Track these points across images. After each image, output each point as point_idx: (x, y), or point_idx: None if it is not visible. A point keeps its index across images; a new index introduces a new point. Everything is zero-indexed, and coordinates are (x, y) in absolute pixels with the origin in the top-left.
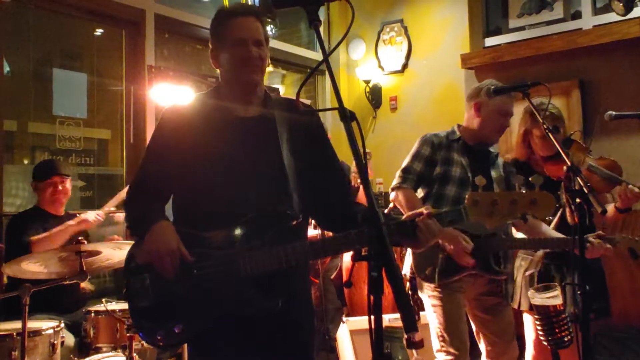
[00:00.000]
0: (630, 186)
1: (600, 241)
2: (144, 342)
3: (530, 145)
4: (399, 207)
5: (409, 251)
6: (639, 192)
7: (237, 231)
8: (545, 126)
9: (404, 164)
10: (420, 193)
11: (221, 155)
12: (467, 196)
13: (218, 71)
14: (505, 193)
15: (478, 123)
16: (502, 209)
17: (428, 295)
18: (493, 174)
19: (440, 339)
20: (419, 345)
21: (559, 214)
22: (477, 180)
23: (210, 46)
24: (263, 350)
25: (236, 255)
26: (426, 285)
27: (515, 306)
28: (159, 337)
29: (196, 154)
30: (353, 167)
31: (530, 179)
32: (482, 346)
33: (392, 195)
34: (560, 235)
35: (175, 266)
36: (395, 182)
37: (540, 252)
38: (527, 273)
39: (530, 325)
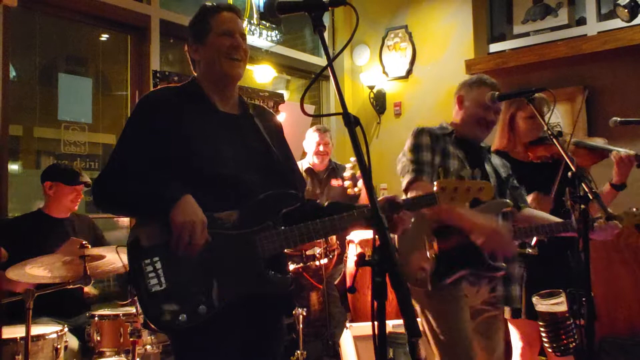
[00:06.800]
0: (622, 150)
1: (602, 221)
2: (147, 347)
3: (513, 131)
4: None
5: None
6: (632, 154)
7: (249, 212)
8: (549, 132)
9: (410, 157)
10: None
11: (221, 144)
12: (436, 183)
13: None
14: (462, 181)
15: (460, 117)
16: (460, 195)
17: (423, 305)
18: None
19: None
20: None
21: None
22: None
23: (190, 39)
24: (267, 329)
25: (253, 235)
26: (421, 292)
27: (522, 316)
28: (180, 320)
29: (195, 142)
30: (349, 169)
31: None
32: None
33: (410, 194)
34: (558, 220)
35: (206, 238)
36: (408, 177)
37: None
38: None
39: (515, 333)
